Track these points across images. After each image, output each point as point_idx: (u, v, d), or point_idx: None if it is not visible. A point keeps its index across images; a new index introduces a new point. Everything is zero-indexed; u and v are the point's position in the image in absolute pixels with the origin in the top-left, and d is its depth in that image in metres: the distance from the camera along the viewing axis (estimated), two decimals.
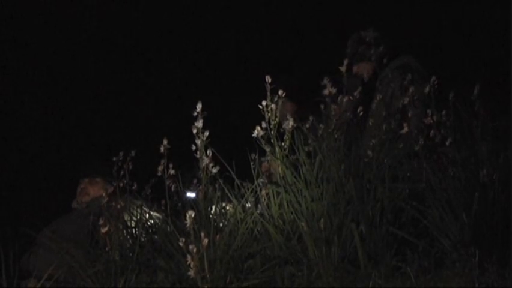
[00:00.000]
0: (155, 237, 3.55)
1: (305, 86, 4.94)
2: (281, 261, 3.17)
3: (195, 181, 3.87)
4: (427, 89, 3.32)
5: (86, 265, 3.39)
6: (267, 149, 3.50)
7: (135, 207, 3.71)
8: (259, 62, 8.28)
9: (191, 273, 2.73)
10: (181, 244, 2.75)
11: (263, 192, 3.49)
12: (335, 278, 3.04)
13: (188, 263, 2.72)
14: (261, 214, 3.42)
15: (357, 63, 4.69)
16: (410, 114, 3.77)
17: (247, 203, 3.47)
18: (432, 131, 3.27)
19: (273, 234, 3.29)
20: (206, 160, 3.20)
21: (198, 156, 3.22)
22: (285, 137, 3.53)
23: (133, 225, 3.69)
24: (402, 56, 4.58)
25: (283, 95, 3.55)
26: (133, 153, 3.74)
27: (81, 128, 8.75)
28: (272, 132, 3.50)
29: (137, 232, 3.63)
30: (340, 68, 3.56)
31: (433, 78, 3.33)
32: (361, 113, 3.79)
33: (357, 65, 4.69)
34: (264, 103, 3.51)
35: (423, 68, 4.50)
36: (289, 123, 3.52)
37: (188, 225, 2.75)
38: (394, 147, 3.56)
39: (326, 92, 3.42)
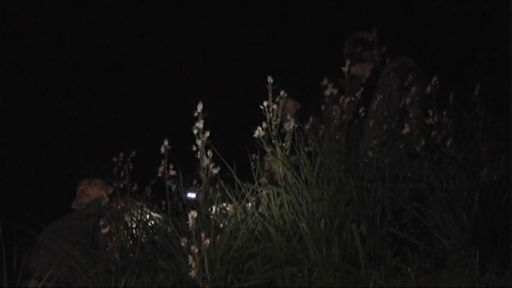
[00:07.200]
0: (156, 237, 3.55)
1: (306, 85, 4.94)
2: (282, 261, 3.17)
3: (195, 182, 3.87)
4: (428, 89, 3.31)
5: (86, 266, 3.39)
6: (268, 150, 3.51)
7: (135, 208, 3.71)
8: (260, 62, 8.28)
9: (192, 273, 2.73)
10: (183, 244, 2.75)
11: (264, 192, 3.49)
12: (336, 279, 3.04)
13: (190, 263, 2.72)
14: (262, 215, 3.42)
15: (354, 64, 4.68)
16: (410, 115, 3.77)
17: (247, 203, 3.47)
18: (433, 132, 3.27)
19: (273, 234, 3.28)
20: (207, 161, 3.20)
21: (198, 156, 3.22)
22: (286, 137, 3.54)
23: (133, 225, 3.69)
24: (401, 56, 4.58)
25: (285, 94, 3.55)
26: (133, 153, 3.74)
27: (81, 128, 8.76)
28: (273, 132, 3.51)
29: (137, 233, 3.63)
30: (342, 68, 3.56)
31: (434, 78, 3.33)
32: (362, 114, 3.80)
33: (354, 66, 4.69)
34: (265, 103, 3.52)
35: (421, 68, 4.51)
36: (290, 124, 3.52)
37: (191, 225, 2.75)
38: (394, 148, 3.56)
39: (327, 92, 3.41)
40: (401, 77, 4.30)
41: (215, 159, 3.26)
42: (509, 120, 3.28)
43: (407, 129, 3.39)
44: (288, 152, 3.53)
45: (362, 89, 4.13)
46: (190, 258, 2.74)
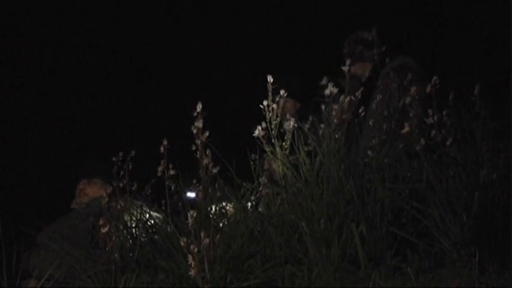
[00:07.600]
0: (156, 237, 3.56)
1: (306, 84, 4.94)
2: (281, 261, 3.17)
3: (194, 181, 3.87)
4: (428, 88, 3.31)
5: (86, 265, 3.39)
6: (268, 149, 3.50)
7: (135, 208, 3.71)
8: (260, 62, 8.29)
9: (192, 273, 2.73)
10: (182, 244, 2.75)
11: (263, 192, 3.49)
12: (335, 278, 3.04)
13: (189, 262, 2.72)
14: (261, 214, 3.42)
15: (354, 63, 4.67)
16: (410, 114, 3.76)
17: (247, 203, 3.47)
18: (432, 131, 3.27)
19: (273, 234, 3.28)
20: (206, 160, 3.20)
21: (198, 156, 3.22)
22: (286, 137, 3.53)
23: (133, 225, 3.69)
24: (400, 56, 4.57)
25: (285, 93, 3.55)
26: (132, 153, 3.74)
27: (81, 128, 8.76)
28: (273, 132, 3.51)
29: (137, 232, 3.63)
30: (342, 68, 3.56)
31: (434, 78, 3.33)
32: (362, 113, 3.79)
33: (354, 65, 4.68)
34: (265, 103, 3.51)
35: (421, 68, 4.50)
36: (290, 123, 3.52)
37: (190, 224, 2.75)
38: (394, 147, 3.56)
39: (327, 91, 3.41)
40: (401, 77, 4.30)
41: (215, 159, 3.26)
42: (509, 120, 3.28)
43: (406, 129, 3.39)
44: (287, 151, 3.53)
45: (361, 88, 4.13)
46: (190, 257, 2.74)
